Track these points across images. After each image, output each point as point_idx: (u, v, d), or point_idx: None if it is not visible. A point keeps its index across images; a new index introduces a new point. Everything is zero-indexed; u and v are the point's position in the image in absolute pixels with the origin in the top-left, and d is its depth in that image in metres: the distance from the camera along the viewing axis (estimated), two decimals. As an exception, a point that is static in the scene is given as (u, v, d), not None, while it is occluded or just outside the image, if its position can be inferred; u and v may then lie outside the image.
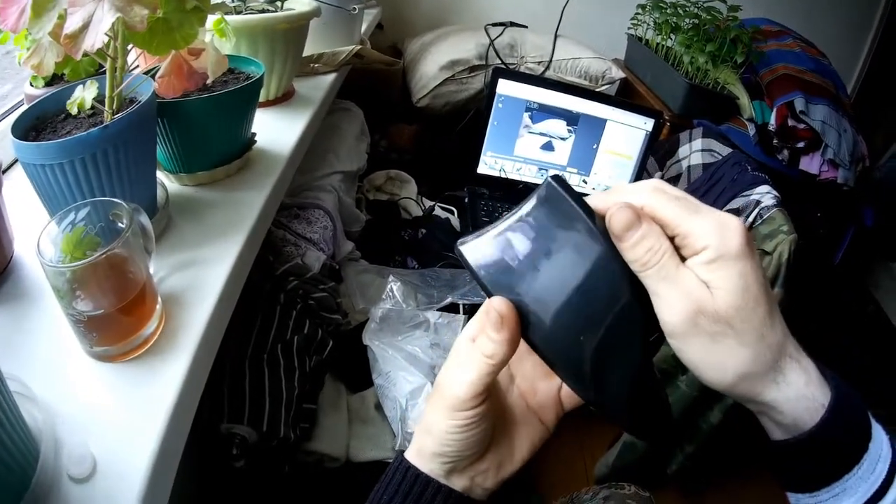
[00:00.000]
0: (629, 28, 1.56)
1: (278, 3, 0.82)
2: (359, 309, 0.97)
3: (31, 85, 0.57)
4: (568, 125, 1.30)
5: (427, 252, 1.17)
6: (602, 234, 0.28)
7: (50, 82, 0.57)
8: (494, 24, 1.53)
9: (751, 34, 1.27)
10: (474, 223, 1.25)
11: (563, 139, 1.31)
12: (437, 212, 1.31)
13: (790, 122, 1.22)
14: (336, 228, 1.00)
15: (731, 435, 0.97)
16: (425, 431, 0.33)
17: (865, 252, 1.75)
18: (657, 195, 0.28)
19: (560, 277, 0.29)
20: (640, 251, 0.27)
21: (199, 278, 0.49)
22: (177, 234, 0.54)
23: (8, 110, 0.69)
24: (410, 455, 0.34)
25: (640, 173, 1.34)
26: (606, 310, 0.28)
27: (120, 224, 0.40)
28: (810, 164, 1.24)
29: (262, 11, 0.78)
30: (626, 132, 1.30)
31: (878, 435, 0.28)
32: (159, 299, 0.44)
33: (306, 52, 0.89)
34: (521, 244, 0.30)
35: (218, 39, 0.57)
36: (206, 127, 0.57)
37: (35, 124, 0.46)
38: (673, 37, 1.37)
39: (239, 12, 0.77)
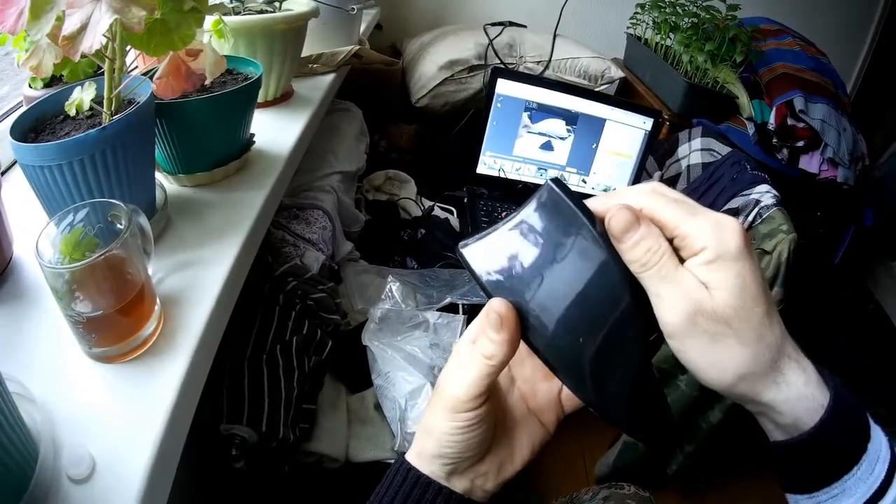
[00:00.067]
0: (628, 27, 1.56)
1: (276, 4, 0.82)
2: (358, 309, 0.97)
3: (30, 86, 0.57)
4: (567, 125, 1.30)
5: (426, 252, 1.17)
6: (602, 237, 0.28)
7: (48, 84, 0.57)
8: (493, 24, 1.53)
9: (750, 33, 1.27)
10: (473, 223, 1.25)
11: (562, 139, 1.31)
12: (437, 212, 1.31)
13: (789, 121, 1.22)
14: (335, 229, 1.00)
15: (731, 435, 0.97)
16: (426, 433, 0.33)
17: (865, 251, 1.75)
18: (656, 197, 0.28)
19: (560, 280, 0.29)
20: (639, 252, 0.27)
21: (197, 279, 0.49)
22: (175, 234, 0.54)
23: (7, 112, 0.69)
24: (411, 457, 0.34)
25: (640, 173, 1.33)
26: (606, 312, 0.29)
27: (119, 225, 0.40)
28: (810, 163, 1.24)
29: (261, 12, 0.78)
30: (626, 132, 1.30)
31: (877, 436, 0.28)
32: (158, 300, 0.44)
33: (305, 53, 0.89)
34: (522, 246, 0.30)
35: (216, 40, 0.57)
36: (204, 128, 0.57)
37: (34, 126, 0.46)
38: (672, 36, 1.37)
39: (237, 13, 0.77)
